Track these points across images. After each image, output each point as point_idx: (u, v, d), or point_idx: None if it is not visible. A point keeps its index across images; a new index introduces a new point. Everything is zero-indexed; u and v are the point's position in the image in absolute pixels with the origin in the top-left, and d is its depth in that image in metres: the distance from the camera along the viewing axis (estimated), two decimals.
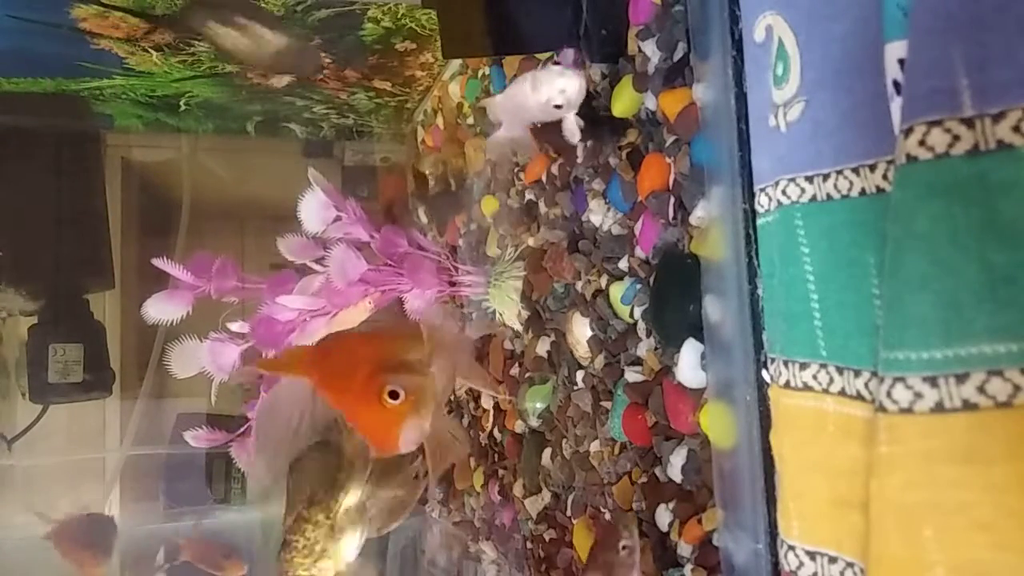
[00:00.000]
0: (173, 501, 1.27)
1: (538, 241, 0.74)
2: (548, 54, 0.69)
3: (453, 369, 0.59)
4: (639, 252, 0.57)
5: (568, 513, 0.68)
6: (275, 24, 0.95)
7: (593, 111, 0.61)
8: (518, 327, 0.77)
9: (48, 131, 1.15)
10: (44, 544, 1.08)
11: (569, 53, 0.60)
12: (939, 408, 0.29)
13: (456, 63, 1.03)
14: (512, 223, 0.80)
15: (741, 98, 0.43)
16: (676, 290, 0.51)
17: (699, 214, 0.49)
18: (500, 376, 0.81)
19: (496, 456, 0.85)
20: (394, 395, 0.50)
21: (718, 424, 0.46)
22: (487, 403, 0.87)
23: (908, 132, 0.30)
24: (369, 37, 0.99)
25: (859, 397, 0.34)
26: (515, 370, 0.78)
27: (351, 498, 0.66)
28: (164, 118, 1.23)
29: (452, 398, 0.98)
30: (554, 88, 0.56)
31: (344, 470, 0.66)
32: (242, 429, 0.81)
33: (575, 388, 0.65)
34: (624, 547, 0.50)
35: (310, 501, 0.65)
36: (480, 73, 0.95)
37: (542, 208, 0.74)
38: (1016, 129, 0.28)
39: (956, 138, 0.29)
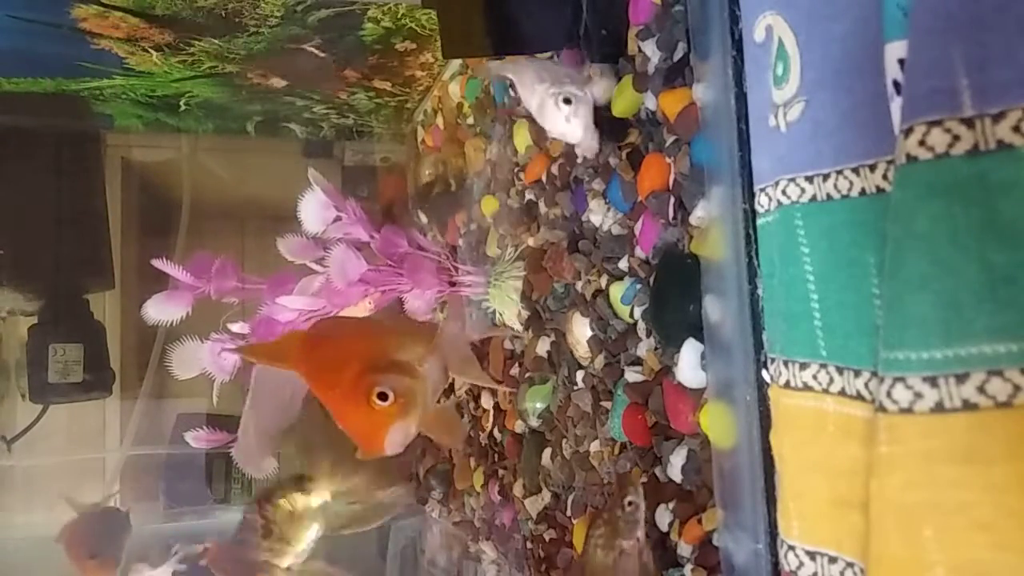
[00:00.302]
0: (173, 501, 1.27)
1: (538, 241, 0.74)
2: (548, 54, 0.69)
3: (446, 366, 0.59)
4: (639, 252, 0.57)
5: (568, 513, 0.68)
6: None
7: (593, 112, 0.61)
8: (518, 327, 0.77)
9: (48, 131, 1.15)
10: (44, 544, 1.08)
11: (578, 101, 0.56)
12: (939, 408, 0.29)
13: (456, 63, 1.03)
14: (512, 223, 0.80)
15: (741, 98, 0.42)
16: (676, 290, 0.51)
17: (699, 214, 0.49)
18: (500, 376, 0.81)
19: (496, 456, 0.85)
20: (383, 397, 0.49)
21: (718, 424, 0.46)
22: (487, 403, 0.87)
23: (908, 132, 0.30)
24: (369, 37, 0.99)
25: (859, 397, 0.34)
26: (515, 370, 0.78)
27: (316, 498, 0.66)
28: (164, 118, 1.24)
29: (453, 396, 0.98)
30: (555, 130, 0.56)
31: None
32: None
33: (575, 388, 0.65)
34: (630, 503, 0.50)
35: (278, 490, 0.66)
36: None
37: (542, 208, 0.74)
38: (1016, 129, 0.28)
39: (956, 138, 0.29)
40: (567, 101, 0.56)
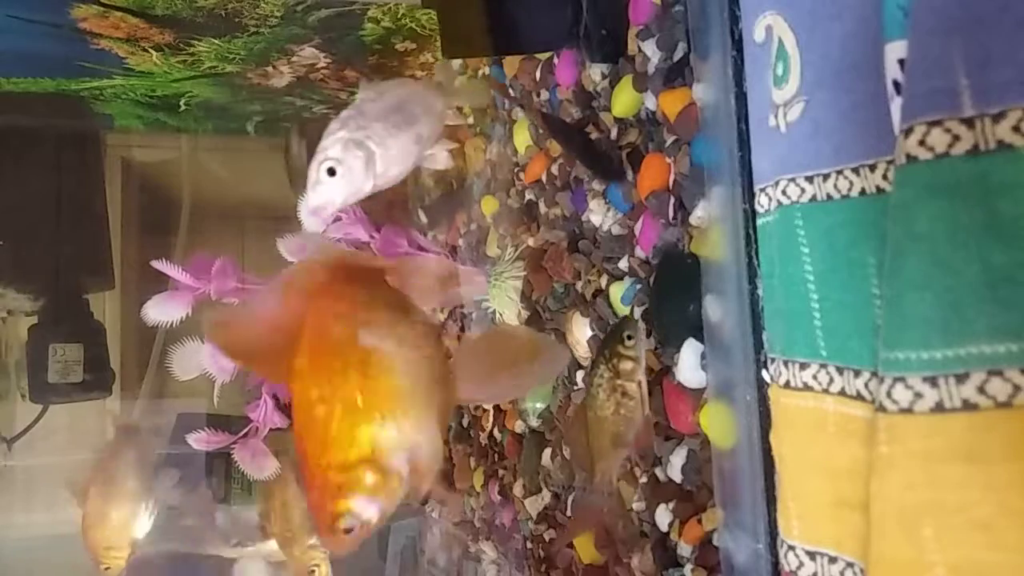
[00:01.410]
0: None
1: (538, 241, 0.74)
2: (548, 54, 0.69)
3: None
4: (639, 252, 0.57)
5: (568, 513, 0.68)
6: None
7: (582, 138, 0.60)
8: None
9: (48, 131, 1.15)
10: (44, 544, 1.08)
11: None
12: (939, 408, 0.29)
13: (456, 63, 1.03)
14: (512, 223, 0.79)
15: (741, 98, 0.43)
16: (676, 290, 0.51)
17: (699, 214, 0.49)
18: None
19: (496, 456, 0.85)
20: (348, 531, 0.37)
21: (718, 424, 0.46)
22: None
23: (908, 132, 0.30)
24: (369, 37, 0.99)
25: (859, 397, 0.34)
26: None
27: None
28: (164, 118, 1.23)
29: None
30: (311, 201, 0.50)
31: None
32: (244, 431, 0.81)
33: (575, 388, 0.65)
34: (628, 336, 0.49)
35: None
36: (480, 73, 0.95)
37: (542, 208, 0.74)
38: (1016, 129, 0.28)
39: (956, 138, 0.29)
40: (331, 172, 0.47)
